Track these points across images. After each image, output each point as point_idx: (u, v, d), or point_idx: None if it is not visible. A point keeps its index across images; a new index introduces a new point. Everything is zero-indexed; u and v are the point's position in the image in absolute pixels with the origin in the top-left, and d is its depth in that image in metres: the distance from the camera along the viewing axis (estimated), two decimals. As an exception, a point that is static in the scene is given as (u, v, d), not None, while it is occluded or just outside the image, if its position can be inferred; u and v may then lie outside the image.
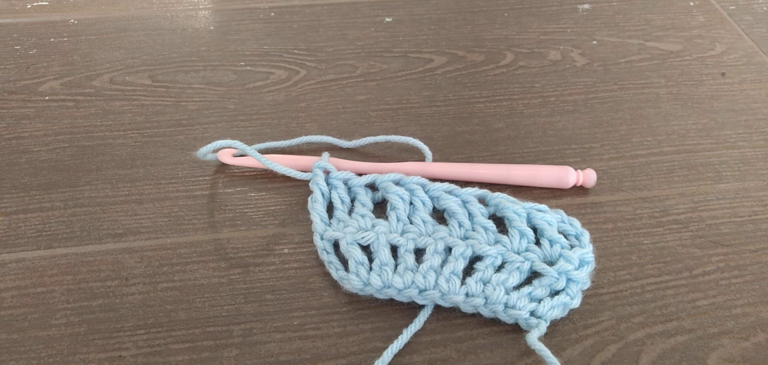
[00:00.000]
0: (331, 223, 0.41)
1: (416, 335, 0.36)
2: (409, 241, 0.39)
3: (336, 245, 0.40)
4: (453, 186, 0.42)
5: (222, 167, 0.46)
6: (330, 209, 0.43)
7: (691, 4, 0.66)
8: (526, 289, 0.37)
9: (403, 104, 0.53)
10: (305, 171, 0.44)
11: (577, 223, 0.41)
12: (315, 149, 0.48)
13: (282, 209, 0.43)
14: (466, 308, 0.37)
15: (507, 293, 0.36)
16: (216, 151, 0.45)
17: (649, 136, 0.49)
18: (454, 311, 0.37)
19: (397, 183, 0.43)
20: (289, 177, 0.45)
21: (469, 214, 0.41)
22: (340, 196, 0.42)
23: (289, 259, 0.40)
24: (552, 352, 0.34)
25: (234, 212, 0.43)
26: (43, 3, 0.65)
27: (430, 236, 0.40)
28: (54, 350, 0.35)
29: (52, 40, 0.60)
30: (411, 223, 0.41)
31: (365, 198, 0.42)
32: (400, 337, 0.35)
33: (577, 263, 0.37)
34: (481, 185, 0.44)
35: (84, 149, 0.48)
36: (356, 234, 0.39)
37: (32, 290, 0.38)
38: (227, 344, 0.36)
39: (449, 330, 0.37)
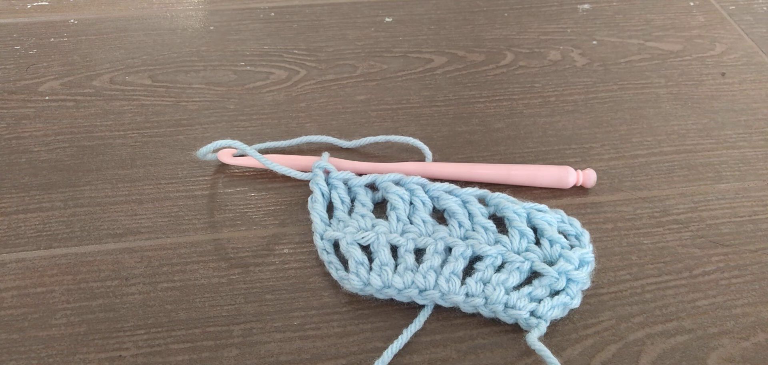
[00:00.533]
0: (331, 223, 0.41)
1: (416, 335, 0.36)
2: (409, 241, 0.39)
3: (336, 245, 0.40)
4: (453, 186, 0.42)
5: (222, 167, 0.46)
6: (330, 209, 0.43)
7: (691, 4, 0.66)
8: (526, 289, 0.37)
9: (403, 104, 0.53)
10: (305, 171, 0.44)
11: (577, 223, 0.41)
12: (315, 149, 0.48)
13: (282, 209, 0.44)
14: (466, 308, 0.37)
15: (507, 293, 0.36)
16: (216, 151, 0.45)
17: (649, 136, 0.49)
18: (454, 311, 0.37)
19: (397, 183, 0.43)
20: (289, 177, 0.45)
21: (469, 214, 0.41)
22: (340, 196, 0.42)
23: (289, 259, 0.40)
24: (552, 352, 0.34)
25: (234, 212, 0.43)
26: (43, 3, 0.65)
27: (430, 236, 0.40)
28: (54, 350, 0.35)
29: (52, 40, 0.60)
30: (411, 223, 0.41)
31: (365, 198, 0.42)
32: (400, 337, 0.35)
33: (577, 263, 0.37)
34: (481, 185, 0.44)
35: (84, 149, 0.48)
36: (356, 234, 0.39)
37: (32, 290, 0.38)
38: (227, 344, 0.36)
39: (449, 330, 0.37)
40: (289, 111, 0.52)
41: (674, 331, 0.36)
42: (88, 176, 0.46)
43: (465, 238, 0.40)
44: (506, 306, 0.36)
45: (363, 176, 0.44)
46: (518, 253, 0.39)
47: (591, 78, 0.56)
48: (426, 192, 0.42)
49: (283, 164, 0.44)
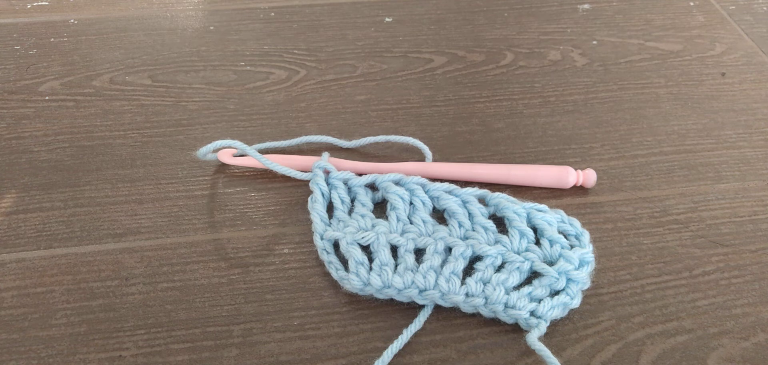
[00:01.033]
0: (331, 223, 0.41)
1: (416, 335, 0.36)
2: (409, 241, 0.39)
3: (336, 245, 0.40)
4: (453, 186, 0.42)
5: (222, 167, 0.46)
6: (330, 209, 0.43)
7: (691, 4, 0.66)
8: (526, 289, 0.37)
9: (403, 104, 0.53)
10: (305, 171, 0.44)
11: (577, 223, 0.41)
12: (315, 149, 0.48)
13: (282, 209, 0.43)
14: (466, 308, 0.37)
15: (507, 293, 0.36)
16: (216, 151, 0.45)
17: (649, 136, 0.49)
18: (454, 311, 0.37)
19: (397, 183, 0.43)
20: (289, 177, 0.45)
21: (469, 214, 0.41)
22: (340, 196, 0.42)
23: (289, 259, 0.40)
24: (552, 352, 0.34)
25: (234, 212, 0.43)
26: (43, 3, 0.65)
27: (430, 236, 0.40)
28: (54, 350, 0.35)
29: (52, 40, 0.60)
30: (411, 223, 0.41)
31: (365, 198, 0.42)
32: (400, 337, 0.35)
33: (577, 263, 0.37)
34: (481, 185, 0.44)
35: (84, 149, 0.48)
36: (356, 234, 0.39)
37: (32, 290, 0.38)
38: (227, 344, 0.36)
39: (449, 330, 0.37)
40: (289, 111, 0.52)
41: (674, 331, 0.36)
42: (88, 176, 0.46)
43: (465, 238, 0.40)
44: (506, 306, 0.36)
45: (363, 176, 0.44)
46: (518, 253, 0.39)
47: (591, 78, 0.56)
48: (426, 192, 0.42)
49: (283, 164, 0.44)
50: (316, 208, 0.41)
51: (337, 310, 0.37)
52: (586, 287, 0.38)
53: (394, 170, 0.45)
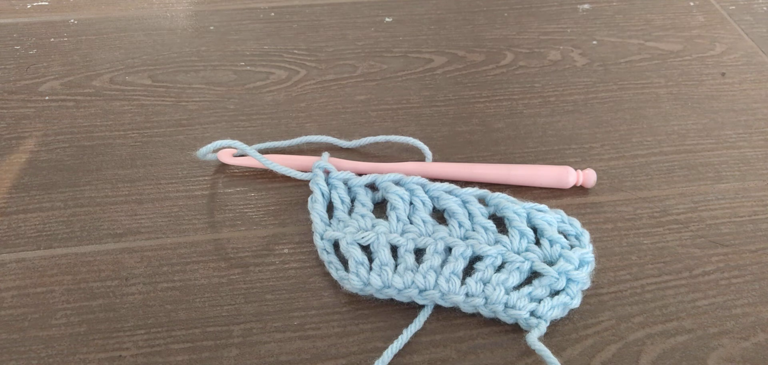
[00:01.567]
0: (331, 223, 0.41)
1: (416, 335, 0.36)
2: (409, 241, 0.39)
3: (336, 245, 0.40)
4: (453, 186, 0.42)
5: (222, 167, 0.46)
6: (330, 209, 0.43)
7: (691, 4, 0.66)
8: (526, 289, 0.37)
9: (403, 104, 0.53)
10: (305, 171, 0.44)
11: (577, 223, 0.41)
12: (315, 149, 0.48)
13: (282, 209, 0.43)
14: (466, 308, 0.37)
15: (507, 293, 0.36)
16: (216, 151, 0.45)
17: (649, 136, 0.49)
18: (454, 311, 0.37)
19: (397, 183, 0.43)
20: (289, 177, 0.45)
21: (469, 214, 0.41)
22: (340, 196, 0.42)
23: (289, 259, 0.40)
24: (552, 352, 0.34)
25: (234, 212, 0.43)
26: (43, 3, 0.65)
27: (430, 236, 0.40)
28: (54, 350, 0.35)
29: (52, 40, 0.60)
30: (411, 223, 0.41)
31: (365, 198, 0.42)
32: (400, 337, 0.35)
33: (577, 263, 0.37)
34: (481, 185, 0.44)
35: (84, 149, 0.48)
36: (356, 234, 0.39)
37: (32, 290, 0.38)
38: (227, 344, 0.36)
39: (449, 330, 0.37)
40: (289, 111, 0.52)
41: (674, 331, 0.36)
42: (88, 176, 0.46)
43: (465, 238, 0.40)
44: (506, 306, 0.36)
45: (363, 176, 0.44)
46: (518, 253, 0.39)
47: (591, 78, 0.56)
48: (426, 192, 0.42)
49: (283, 164, 0.44)
50: (316, 208, 0.41)
51: (337, 310, 0.37)
52: (586, 287, 0.38)
53: (394, 170, 0.45)
